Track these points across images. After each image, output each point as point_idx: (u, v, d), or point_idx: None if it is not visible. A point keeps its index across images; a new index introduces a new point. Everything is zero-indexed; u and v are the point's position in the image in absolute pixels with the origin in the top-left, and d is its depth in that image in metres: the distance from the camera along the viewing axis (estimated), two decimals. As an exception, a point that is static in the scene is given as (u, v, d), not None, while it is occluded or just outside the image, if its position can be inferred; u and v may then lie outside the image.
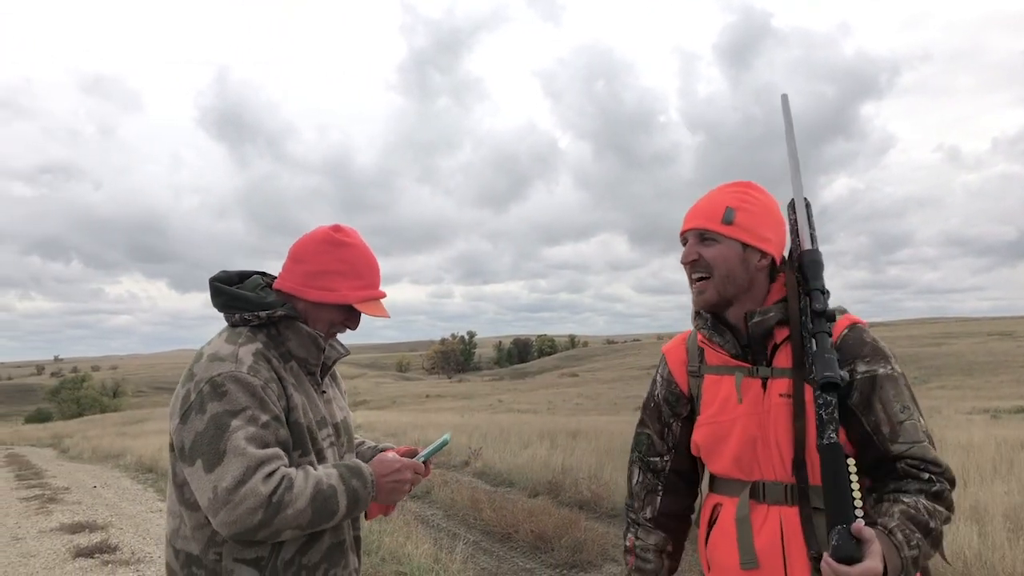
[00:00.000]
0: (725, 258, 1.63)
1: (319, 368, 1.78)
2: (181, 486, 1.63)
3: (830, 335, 1.52)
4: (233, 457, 1.49)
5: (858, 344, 1.58)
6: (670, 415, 1.84)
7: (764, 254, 1.65)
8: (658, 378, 1.89)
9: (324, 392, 1.81)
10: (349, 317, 1.78)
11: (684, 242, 1.72)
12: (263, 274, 1.83)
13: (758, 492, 1.62)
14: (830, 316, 1.54)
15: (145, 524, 8.21)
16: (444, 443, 1.87)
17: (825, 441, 1.45)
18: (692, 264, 1.68)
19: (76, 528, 8.05)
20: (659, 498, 1.85)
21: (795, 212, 1.70)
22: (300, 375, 1.73)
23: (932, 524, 1.44)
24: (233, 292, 1.72)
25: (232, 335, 1.67)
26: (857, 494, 1.41)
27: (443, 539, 6.58)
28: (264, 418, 1.56)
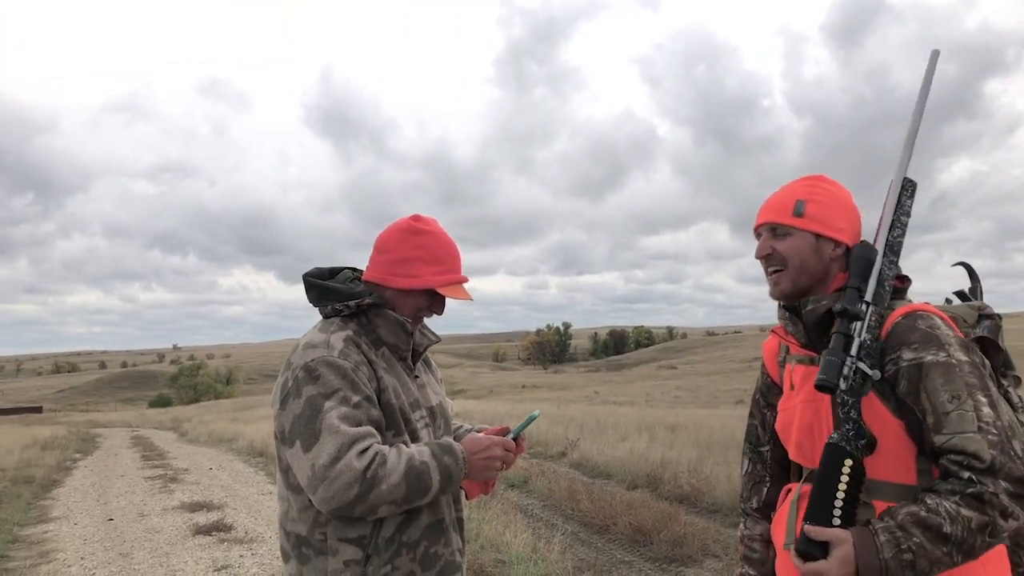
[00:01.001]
0: (798, 250, 1.63)
1: (409, 353, 1.86)
2: (286, 471, 1.71)
3: (848, 336, 1.49)
4: (328, 436, 1.56)
5: (907, 332, 1.51)
6: (765, 404, 1.90)
7: (838, 244, 1.63)
8: (758, 376, 1.95)
9: (417, 377, 1.88)
10: (433, 302, 1.85)
11: (758, 237, 1.72)
12: (353, 269, 1.93)
13: (812, 478, 1.61)
14: (852, 315, 1.49)
15: (257, 506, 8.61)
16: (532, 418, 1.89)
17: (828, 440, 1.47)
18: (767, 258, 1.67)
19: (195, 507, 8.53)
20: (765, 488, 1.88)
21: (888, 192, 1.63)
22: (391, 360, 1.80)
23: (948, 528, 1.33)
24: (324, 285, 1.82)
25: (324, 325, 1.77)
26: (840, 496, 1.42)
27: (541, 529, 6.62)
28: (356, 398, 1.63)
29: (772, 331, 1.87)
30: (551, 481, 8.72)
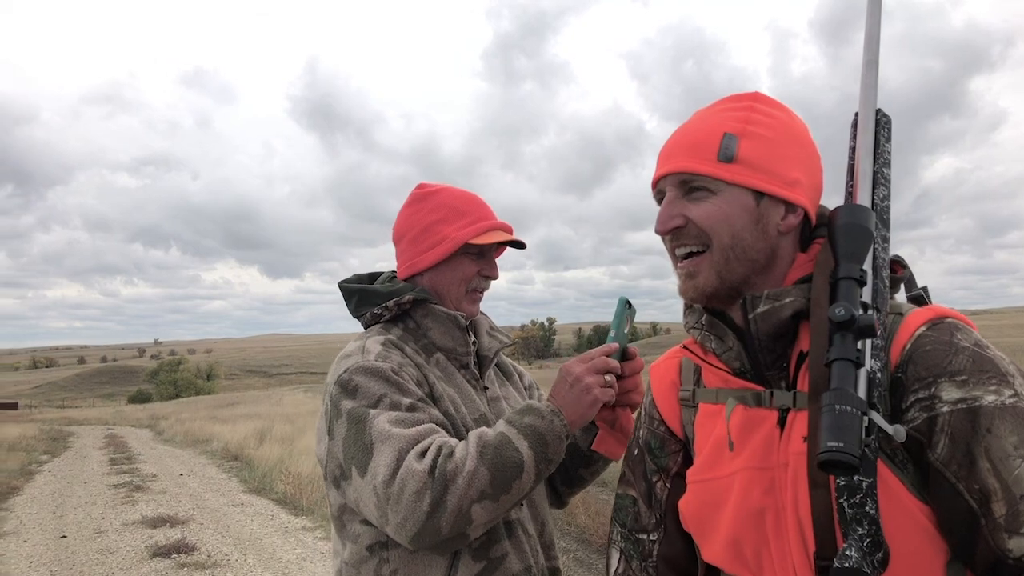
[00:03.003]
0: (727, 217, 1.00)
1: (471, 359, 1.57)
2: (340, 516, 1.45)
3: (858, 362, 0.85)
4: (381, 446, 1.29)
5: (942, 353, 0.91)
6: (654, 469, 1.22)
7: (790, 206, 1.02)
8: (642, 412, 1.29)
9: (487, 388, 1.59)
10: (481, 263, 1.57)
11: (659, 199, 1.09)
12: (394, 272, 1.66)
13: None
14: (864, 328, 0.85)
15: (225, 520, 7.96)
16: (622, 309, 1.38)
17: (838, 563, 0.84)
18: (674, 233, 1.05)
19: (157, 522, 7.88)
20: None
21: (856, 135, 1.05)
22: (450, 369, 1.54)
23: None
24: (359, 288, 1.58)
25: (363, 334, 1.54)
26: None
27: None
28: (407, 401, 1.37)
29: (671, 351, 1.24)
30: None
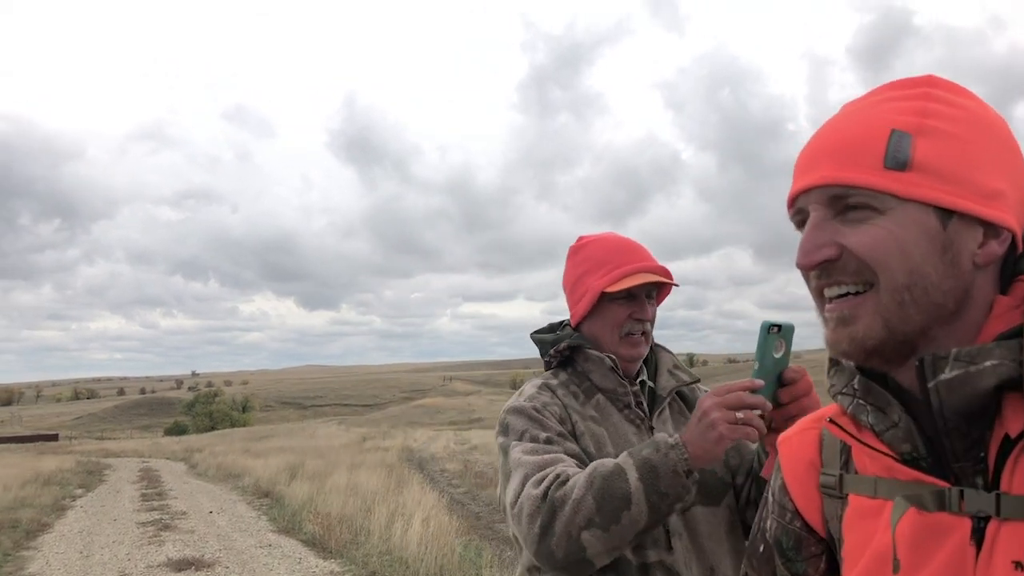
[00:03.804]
0: (900, 246, 0.71)
1: (630, 398, 1.61)
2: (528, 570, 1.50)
3: None
4: (514, 473, 1.44)
5: None
6: (787, 571, 0.92)
7: (991, 228, 0.72)
8: (769, 497, 0.96)
9: (653, 428, 1.60)
10: (631, 306, 1.61)
11: (799, 221, 0.79)
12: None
13: None
14: None
15: (251, 563, 7.75)
16: (764, 337, 1.19)
17: None
18: (823, 267, 0.75)
19: (183, 564, 7.69)
20: None
21: None
22: (608, 409, 1.60)
23: None
24: (538, 338, 1.74)
25: (531, 379, 1.70)
26: None
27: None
28: (544, 435, 1.50)
29: (806, 419, 0.93)
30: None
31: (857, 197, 0.72)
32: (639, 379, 1.67)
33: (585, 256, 1.67)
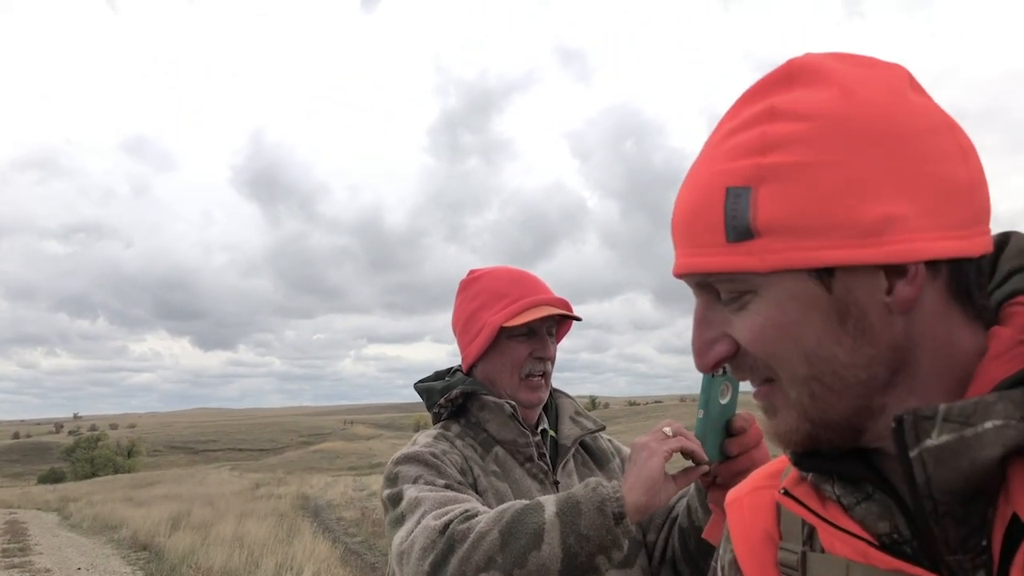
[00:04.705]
0: (784, 333, 0.57)
1: (532, 449, 1.44)
2: None
3: None
4: (410, 513, 1.23)
5: None
6: None
7: (893, 268, 0.54)
8: (718, 571, 0.79)
9: (557, 483, 1.45)
10: (532, 343, 1.46)
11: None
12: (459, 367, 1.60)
13: None
14: None
15: (120, 625, 7.10)
16: (708, 382, 1.05)
17: None
18: (726, 365, 0.64)
19: (40, 629, 6.96)
20: None
21: None
22: (509, 463, 1.43)
23: None
24: (424, 387, 1.55)
25: (430, 429, 1.50)
26: None
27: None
28: (442, 482, 1.30)
29: (757, 475, 0.76)
30: None
31: (719, 283, 0.59)
32: (540, 428, 1.51)
33: (480, 289, 1.51)
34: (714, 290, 0.60)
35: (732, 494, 0.76)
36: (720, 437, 1.10)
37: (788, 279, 0.55)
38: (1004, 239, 0.61)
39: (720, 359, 0.61)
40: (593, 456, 1.56)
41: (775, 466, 0.74)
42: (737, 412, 1.11)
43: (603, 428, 1.57)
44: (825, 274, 0.54)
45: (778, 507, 0.70)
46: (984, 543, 0.53)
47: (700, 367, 0.62)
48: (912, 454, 0.52)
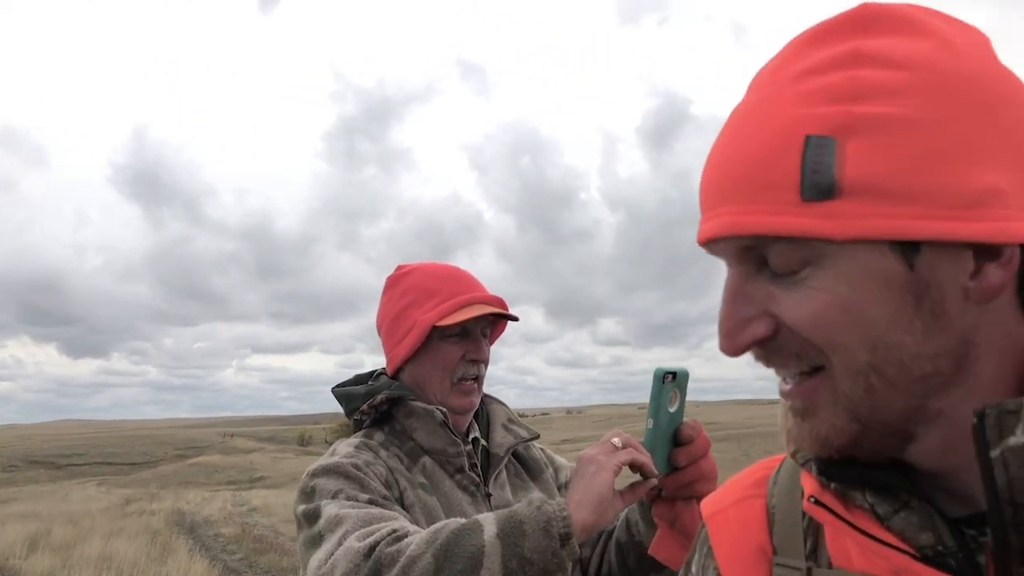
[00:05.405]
0: (852, 314, 0.49)
1: (463, 459, 1.33)
2: None
3: None
4: (330, 533, 1.10)
5: None
6: None
7: (984, 249, 0.47)
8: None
9: (489, 495, 1.35)
10: (465, 345, 1.36)
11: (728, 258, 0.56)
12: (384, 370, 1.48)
13: None
14: None
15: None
16: (658, 387, 0.98)
17: None
18: (759, 350, 0.55)
19: None
20: None
21: None
22: (438, 475, 1.32)
23: None
24: (341, 391, 1.43)
25: (341, 440, 1.37)
26: None
27: None
28: (365, 496, 1.17)
29: (744, 478, 0.69)
30: None
31: (777, 249, 0.50)
32: (471, 436, 1.41)
33: (409, 285, 1.40)
34: (760, 259, 0.51)
35: (712, 506, 0.69)
36: (669, 448, 1.05)
37: (866, 250, 0.47)
38: None
39: (755, 341, 0.52)
40: (526, 466, 1.47)
41: (756, 475, 0.68)
42: (684, 420, 1.05)
43: (537, 436, 1.49)
44: (910, 248, 0.47)
45: (771, 518, 0.64)
46: None
47: (728, 350, 0.53)
48: (993, 454, 0.46)
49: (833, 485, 0.56)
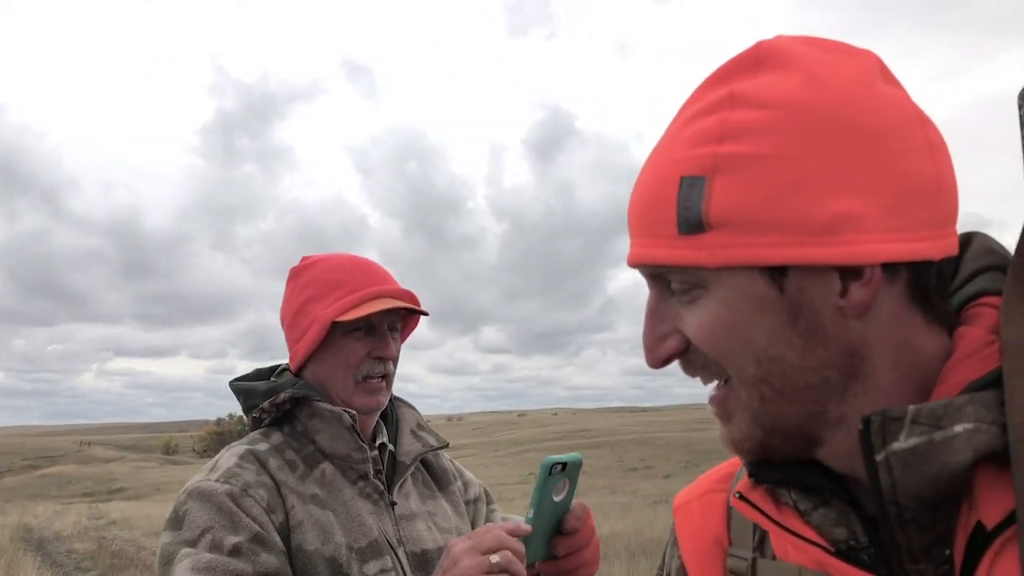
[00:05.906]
0: (733, 330, 0.56)
1: (368, 466, 1.28)
2: None
3: None
4: None
5: None
6: None
7: (849, 270, 0.53)
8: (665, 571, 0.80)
9: (394, 504, 1.30)
10: (371, 341, 1.30)
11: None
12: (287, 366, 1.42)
13: None
14: None
15: None
16: (544, 477, 0.99)
17: None
18: (680, 363, 0.63)
19: None
20: None
21: None
22: (338, 483, 1.26)
23: None
24: (239, 386, 1.35)
25: (232, 444, 1.30)
26: None
27: None
28: (233, 540, 1.10)
29: (708, 478, 0.76)
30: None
31: (671, 275, 0.57)
32: (379, 441, 1.36)
33: (311, 278, 1.32)
34: (667, 282, 0.58)
35: (681, 498, 0.75)
36: (550, 536, 1.05)
37: (739, 276, 0.54)
38: (967, 240, 0.61)
39: (671, 355, 0.59)
40: (435, 476, 1.43)
41: (725, 469, 0.74)
42: (572, 509, 1.04)
43: (447, 445, 1.44)
44: (777, 273, 0.53)
45: (729, 512, 0.70)
46: (947, 552, 0.52)
47: (650, 363, 0.60)
48: (878, 458, 0.51)
49: (754, 482, 0.61)
